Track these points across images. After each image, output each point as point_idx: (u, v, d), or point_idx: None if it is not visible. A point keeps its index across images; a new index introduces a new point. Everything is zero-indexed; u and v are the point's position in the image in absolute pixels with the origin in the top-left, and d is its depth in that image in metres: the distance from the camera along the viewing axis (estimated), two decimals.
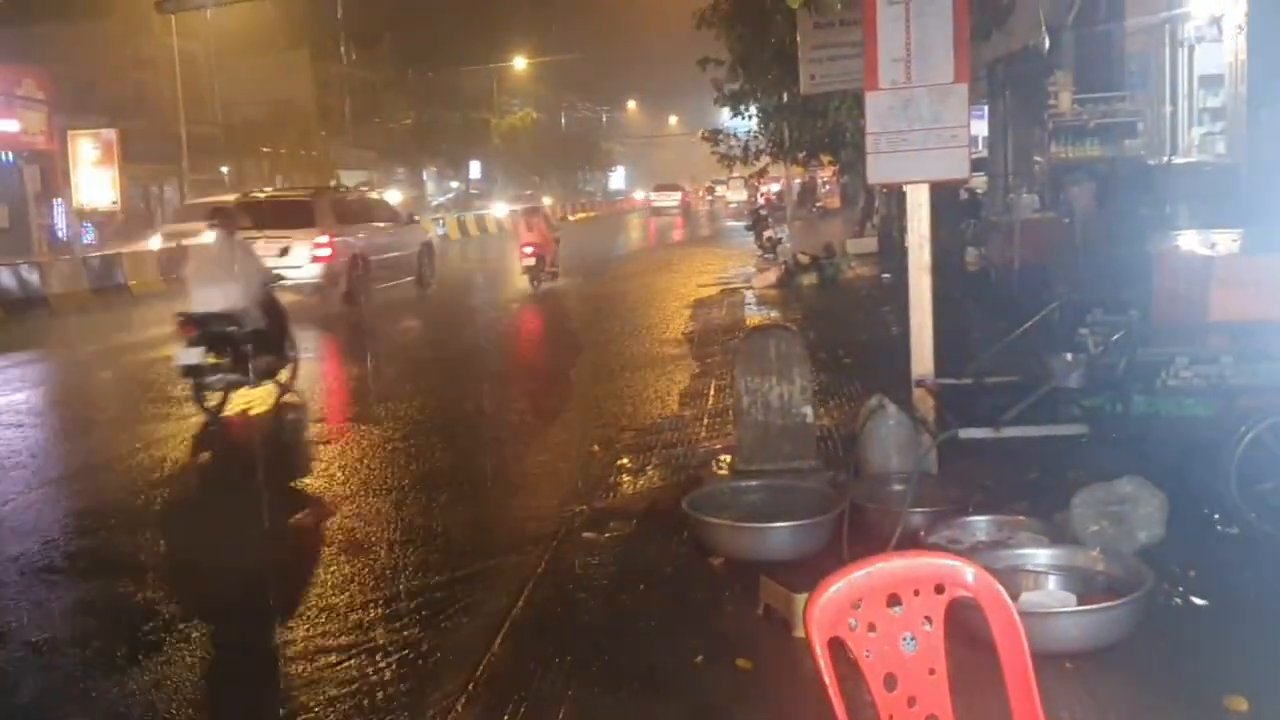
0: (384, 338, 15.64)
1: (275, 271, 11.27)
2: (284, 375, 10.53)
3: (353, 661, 4.84)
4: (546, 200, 48.00)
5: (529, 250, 19.97)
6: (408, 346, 15.26)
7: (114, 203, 35.89)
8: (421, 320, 18.15)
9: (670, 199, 59.57)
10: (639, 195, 76.88)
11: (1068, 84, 13.21)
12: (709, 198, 63.79)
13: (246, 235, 11.60)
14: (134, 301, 21.66)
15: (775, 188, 37.34)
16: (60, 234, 34.88)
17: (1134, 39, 13.97)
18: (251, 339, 9.86)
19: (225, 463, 8.94)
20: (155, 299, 21.27)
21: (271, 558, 6.32)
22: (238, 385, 9.95)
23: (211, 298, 9.79)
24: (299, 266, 16.98)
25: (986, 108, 18.05)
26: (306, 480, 7.87)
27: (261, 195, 20.86)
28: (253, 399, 10.34)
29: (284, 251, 16.81)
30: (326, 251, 17.72)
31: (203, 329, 9.67)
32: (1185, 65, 13.63)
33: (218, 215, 10.48)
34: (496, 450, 8.59)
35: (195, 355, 9.58)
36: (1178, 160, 12.20)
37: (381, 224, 20.54)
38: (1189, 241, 7.08)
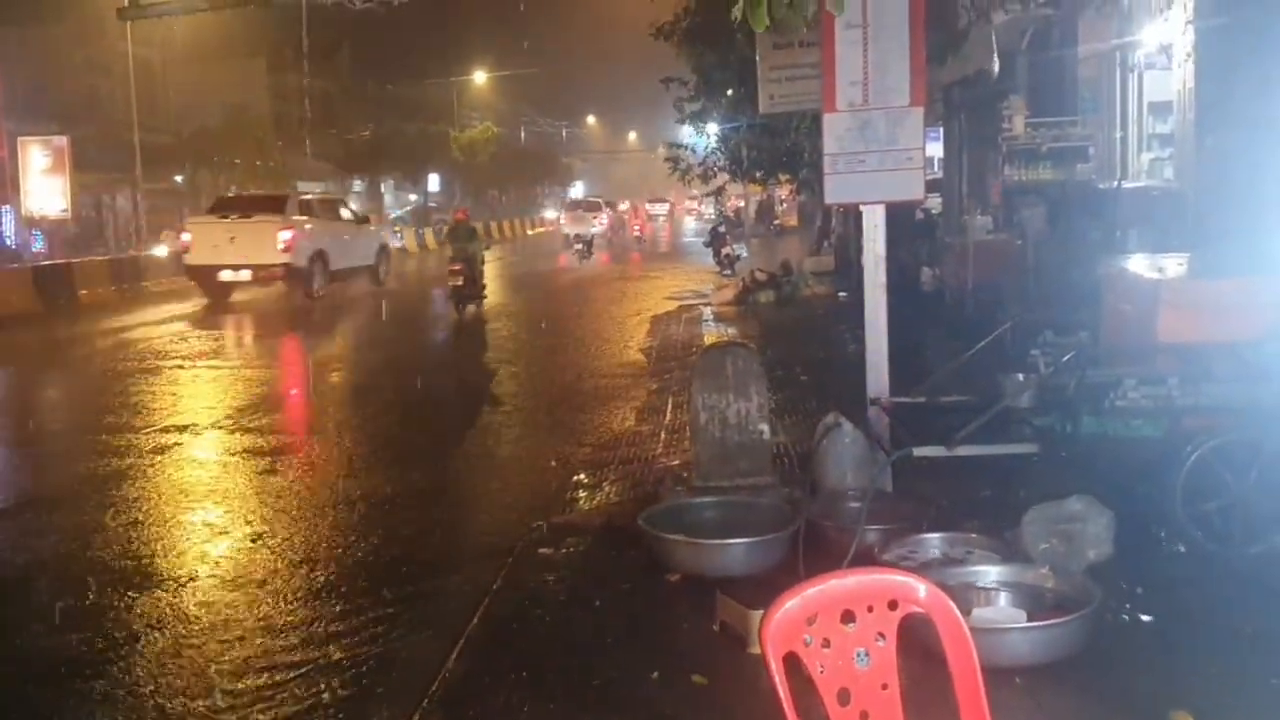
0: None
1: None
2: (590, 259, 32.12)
3: (305, 677, 4.80)
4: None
5: (637, 228, 47.08)
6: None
7: (64, 211, 35.32)
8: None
9: (661, 209, 74.99)
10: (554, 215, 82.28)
11: (1021, 108, 13.41)
12: (699, 208, 68.60)
13: (573, 214, 47.34)
14: (82, 312, 21.35)
15: (743, 204, 41.86)
16: (8, 241, 34.32)
17: (1086, 65, 14.21)
18: (589, 244, 33.24)
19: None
20: (105, 311, 21.01)
21: (223, 568, 6.26)
22: (586, 257, 31.86)
23: (581, 229, 38.09)
24: (597, 226, 43.63)
25: (942, 130, 18.29)
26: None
27: (581, 198, 56.11)
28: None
29: (593, 220, 44.98)
30: (605, 222, 46.99)
31: (579, 238, 33.94)
32: (1135, 91, 13.89)
33: (583, 204, 49.79)
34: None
35: (577, 246, 32.95)
36: (1128, 185, 12.41)
37: (616, 211, 52.97)
38: (1138, 265, 7.21)
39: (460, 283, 18.02)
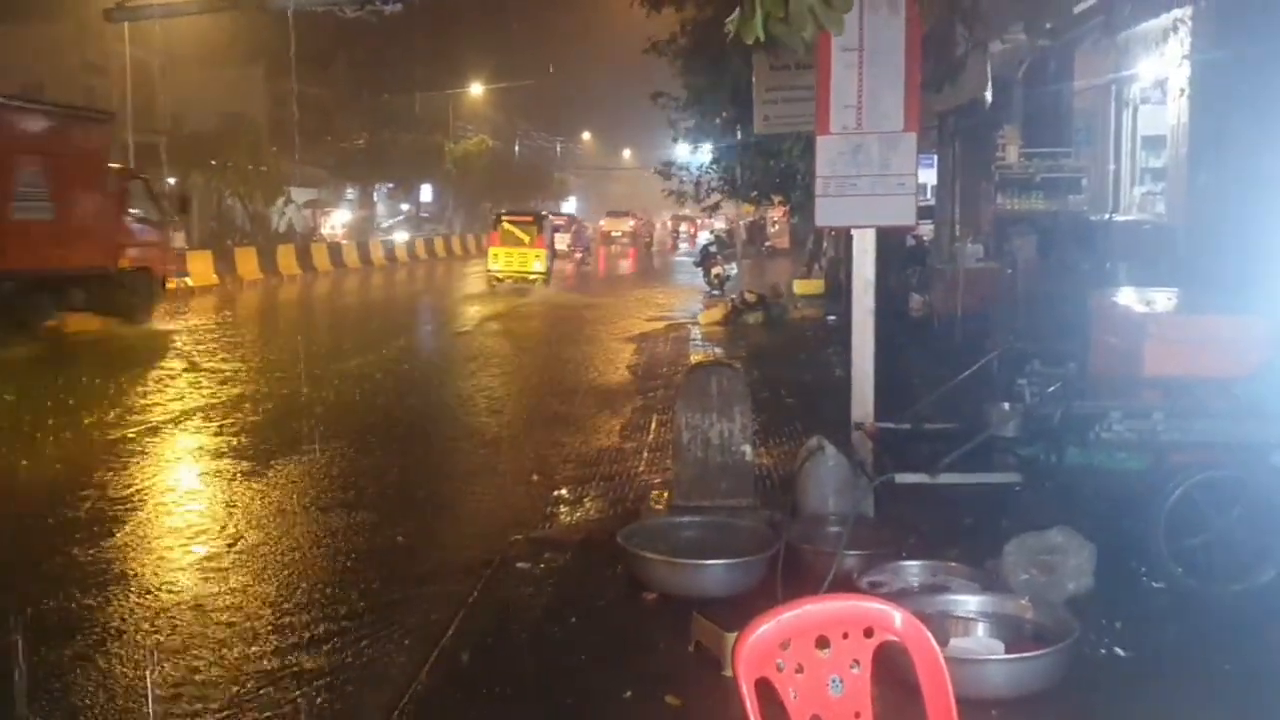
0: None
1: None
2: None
3: (277, 686, 4.74)
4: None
5: (691, 231, 57.51)
6: None
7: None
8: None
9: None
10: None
11: (1015, 138, 13.46)
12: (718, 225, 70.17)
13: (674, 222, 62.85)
14: None
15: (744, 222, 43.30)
16: None
17: (1081, 98, 14.25)
18: (679, 235, 59.87)
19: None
20: None
21: (196, 574, 6.19)
22: (678, 241, 59.51)
23: (679, 229, 59.45)
24: (685, 227, 58.82)
25: (935, 156, 18.35)
26: None
27: (683, 213, 57.41)
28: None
29: (698, 230, 53.34)
30: (689, 229, 59.07)
31: (678, 233, 60.16)
32: (1129, 125, 13.92)
33: (682, 218, 59.47)
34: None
35: (674, 235, 60.42)
36: (1119, 218, 12.46)
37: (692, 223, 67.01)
38: (1126, 298, 7.21)
39: (649, 240, 55.42)
